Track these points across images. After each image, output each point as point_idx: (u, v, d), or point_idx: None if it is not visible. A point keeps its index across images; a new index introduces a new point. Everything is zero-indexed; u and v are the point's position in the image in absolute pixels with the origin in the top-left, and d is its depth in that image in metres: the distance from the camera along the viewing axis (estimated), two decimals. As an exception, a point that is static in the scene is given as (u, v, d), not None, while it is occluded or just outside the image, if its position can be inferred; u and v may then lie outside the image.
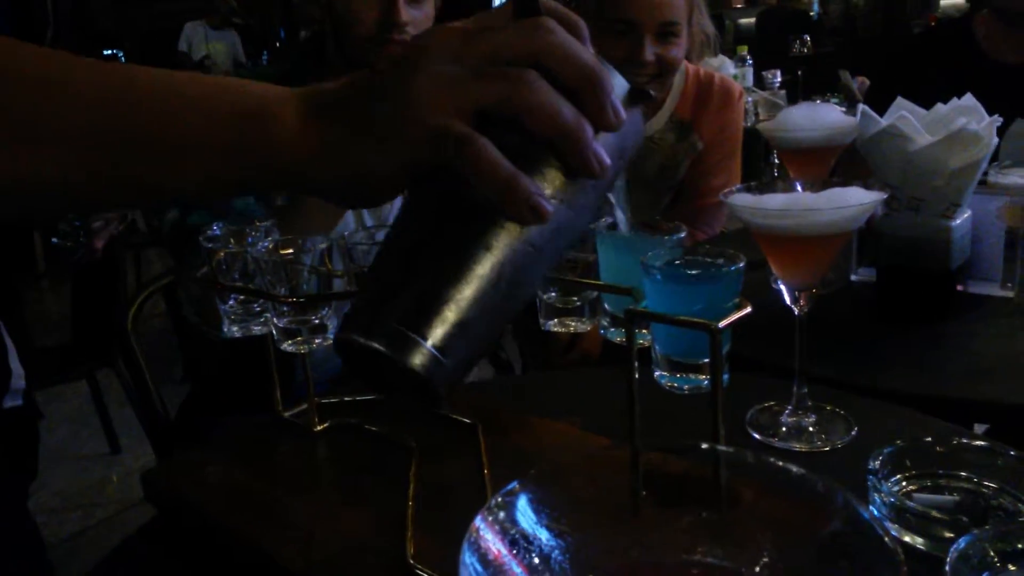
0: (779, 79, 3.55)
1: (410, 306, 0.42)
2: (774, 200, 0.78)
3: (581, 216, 0.47)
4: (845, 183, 0.80)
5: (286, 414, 0.90)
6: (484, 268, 0.42)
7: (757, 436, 0.84)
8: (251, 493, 0.77)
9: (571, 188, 0.45)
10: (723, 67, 2.99)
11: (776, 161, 3.45)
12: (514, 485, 0.42)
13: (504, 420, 0.87)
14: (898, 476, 0.72)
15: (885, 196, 0.75)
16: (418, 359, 0.41)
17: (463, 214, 0.44)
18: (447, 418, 0.88)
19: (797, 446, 0.83)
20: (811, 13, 6.65)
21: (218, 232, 0.76)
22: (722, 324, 0.52)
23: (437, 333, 0.41)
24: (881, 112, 1.08)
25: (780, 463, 0.53)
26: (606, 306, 0.66)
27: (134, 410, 2.35)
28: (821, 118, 1.15)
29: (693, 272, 0.56)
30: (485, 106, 0.43)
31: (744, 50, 3.57)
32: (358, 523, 0.71)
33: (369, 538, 0.69)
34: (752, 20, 6.43)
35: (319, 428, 0.87)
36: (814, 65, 3.88)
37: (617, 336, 0.66)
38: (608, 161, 0.44)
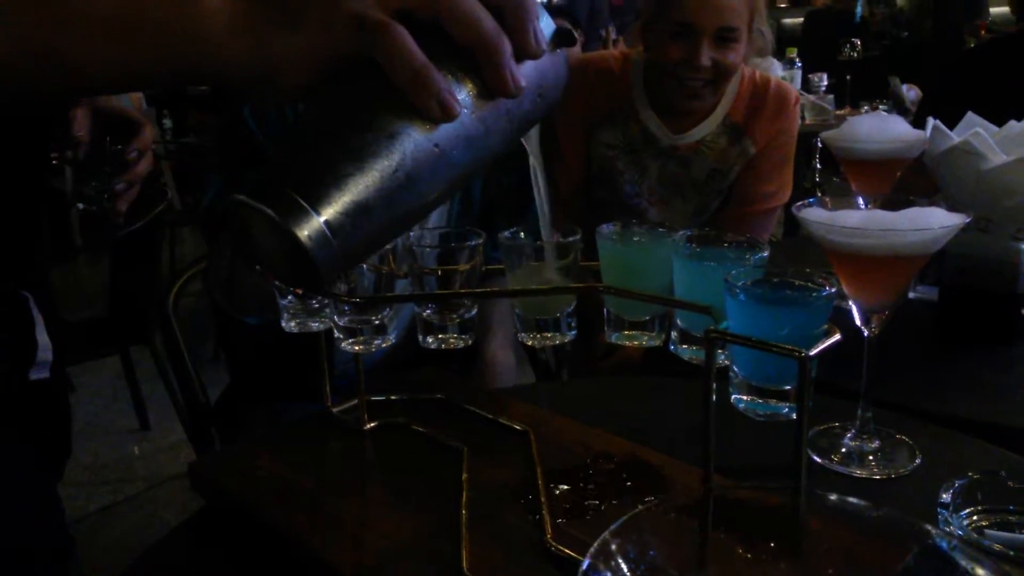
0: (825, 83, 3.49)
1: (305, 175, 0.42)
2: (850, 217, 0.75)
3: (491, 138, 0.47)
4: (913, 201, 0.77)
5: (335, 410, 0.89)
6: (384, 153, 0.43)
7: (817, 459, 0.82)
8: (300, 490, 0.76)
9: (484, 103, 0.46)
10: (771, 69, 2.94)
11: (819, 166, 3.40)
12: (619, 525, 0.40)
13: (553, 428, 0.85)
14: (969, 510, 0.70)
15: (969, 219, 0.72)
16: (306, 230, 0.41)
17: (372, 101, 0.44)
18: (497, 422, 0.87)
19: (858, 472, 0.80)
20: (855, 15, 6.54)
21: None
22: (812, 352, 0.50)
23: (330, 209, 0.41)
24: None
25: (873, 507, 0.51)
26: (678, 321, 0.64)
27: (167, 389, 2.36)
28: (888, 130, 1.12)
29: (783, 295, 0.54)
30: (409, 8, 0.44)
31: (793, 52, 3.50)
32: (408, 526, 0.70)
33: (420, 543, 0.68)
34: (794, 20, 6.32)
35: (368, 426, 0.86)
36: (861, 69, 3.80)
37: (687, 354, 0.64)
38: (523, 81, 0.46)
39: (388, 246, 0.71)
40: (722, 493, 0.48)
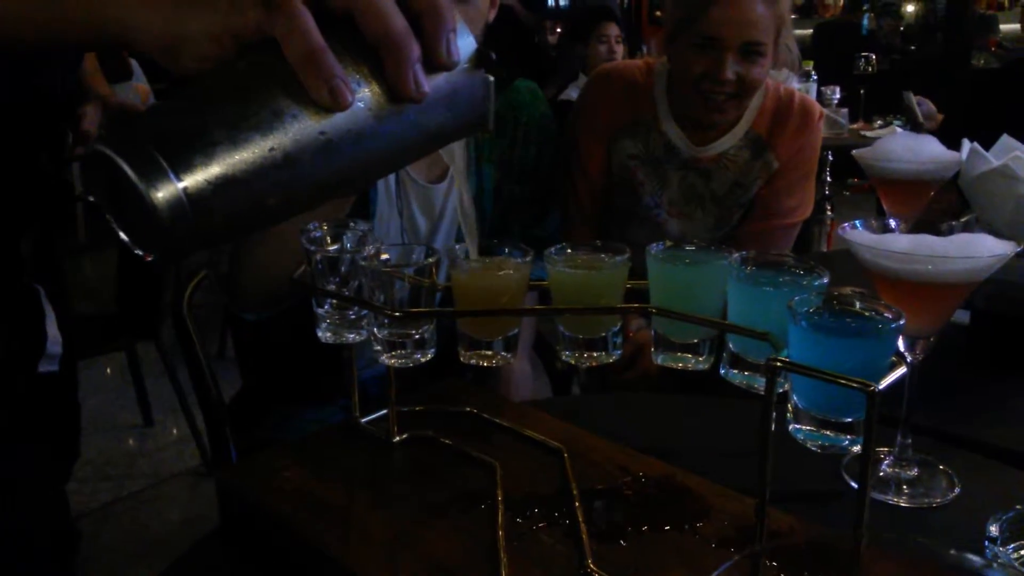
0: (838, 96, 3.48)
1: (174, 136, 0.40)
2: (898, 241, 0.74)
3: (389, 141, 0.46)
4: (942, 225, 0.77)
5: (363, 420, 0.87)
6: (263, 128, 0.41)
7: (854, 485, 0.81)
8: (331, 504, 0.74)
9: (386, 104, 0.45)
10: (787, 82, 2.93)
11: (829, 179, 3.39)
12: (729, 566, 0.39)
13: (586, 446, 0.84)
14: (1017, 544, 0.68)
15: (1020, 248, 0.71)
16: (161, 192, 0.39)
17: (263, 75, 0.43)
18: (528, 438, 0.86)
19: (895, 499, 0.79)
20: (862, 27, 6.54)
21: (319, 234, 0.73)
22: (882, 385, 0.49)
23: (192, 175, 0.39)
24: (957, 147, 1.04)
25: (923, 540, 0.50)
26: (730, 345, 0.63)
27: (173, 386, 2.35)
28: (922, 150, 1.10)
29: (851, 326, 0.53)
30: None
31: (809, 65, 3.49)
32: (444, 545, 0.69)
33: (457, 563, 0.67)
34: (803, 32, 6.32)
35: (397, 439, 0.85)
36: (872, 84, 3.80)
37: (739, 379, 0.63)
38: (426, 86, 0.45)
39: (431, 260, 0.70)
40: (781, 543, 0.46)
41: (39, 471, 1.29)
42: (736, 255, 0.62)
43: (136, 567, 2.02)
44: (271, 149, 0.41)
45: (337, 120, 0.43)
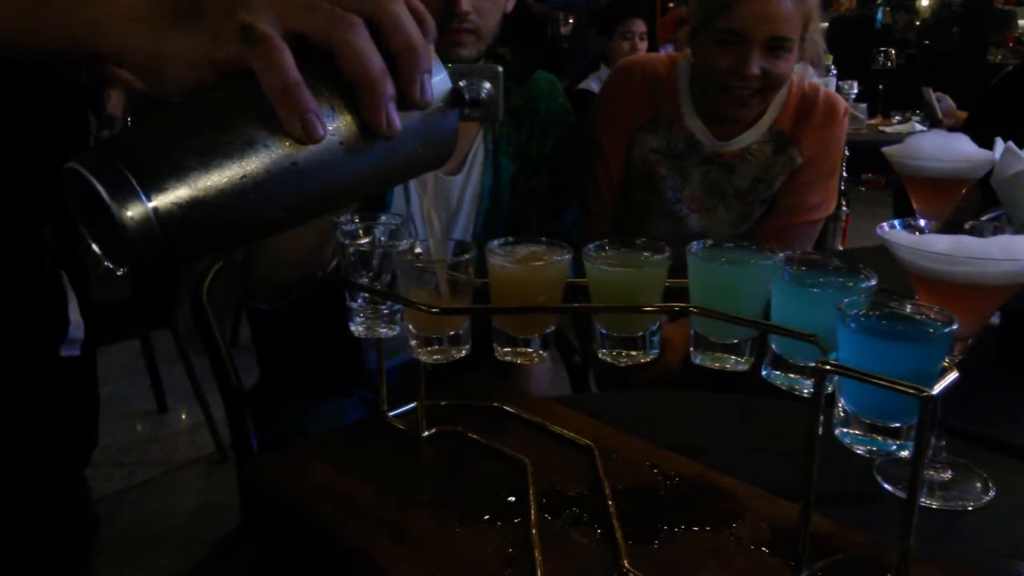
0: (856, 91, 3.45)
1: (148, 157, 0.41)
2: (938, 242, 0.73)
3: (360, 173, 0.48)
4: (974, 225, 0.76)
5: (391, 414, 0.87)
6: (235, 156, 0.42)
7: (887, 486, 0.80)
8: (359, 500, 0.74)
9: (358, 139, 0.46)
10: (807, 77, 2.91)
11: (844, 174, 3.36)
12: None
13: (615, 443, 0.83)
14: (1054, 551, 0.68)
15: (1063, 250, 0.70)
16: (130, 211, 0.40)
17: (240, 104, 0.44)
18: (557, 435, 0.85)
19: (928, 502, 0.78)
20: (875, 21, 6.49)
21: (353, 228, 0.72)
22: (936, 390, 0.48)
23: (162, 197, 0.40)
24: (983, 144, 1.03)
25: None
26: (772, 346, 0.62)
27: (188, 374, 2.35)
28: (954, 149, 1.09)
29: (904, 330, 0.52)
30: (304, 33, 0.46)
31: (829, 59, 3.46)
32: (476, 542, 0.68)
33: (491, 560, 0.66)
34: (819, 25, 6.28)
35: (426, 433, 0.84)
36: (889, 79, 3.76)
37: (781, 381, 0.62)
38: (398, 124, 0.46)
39: (468, 255, 0.69)
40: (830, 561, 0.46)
41: (60, 457, 1.29)
42: (781, 255, 0.61)
43: (149, 553, 2.03)
44: (242, 176, 0.42)
45: (310, 151, 0.44)
